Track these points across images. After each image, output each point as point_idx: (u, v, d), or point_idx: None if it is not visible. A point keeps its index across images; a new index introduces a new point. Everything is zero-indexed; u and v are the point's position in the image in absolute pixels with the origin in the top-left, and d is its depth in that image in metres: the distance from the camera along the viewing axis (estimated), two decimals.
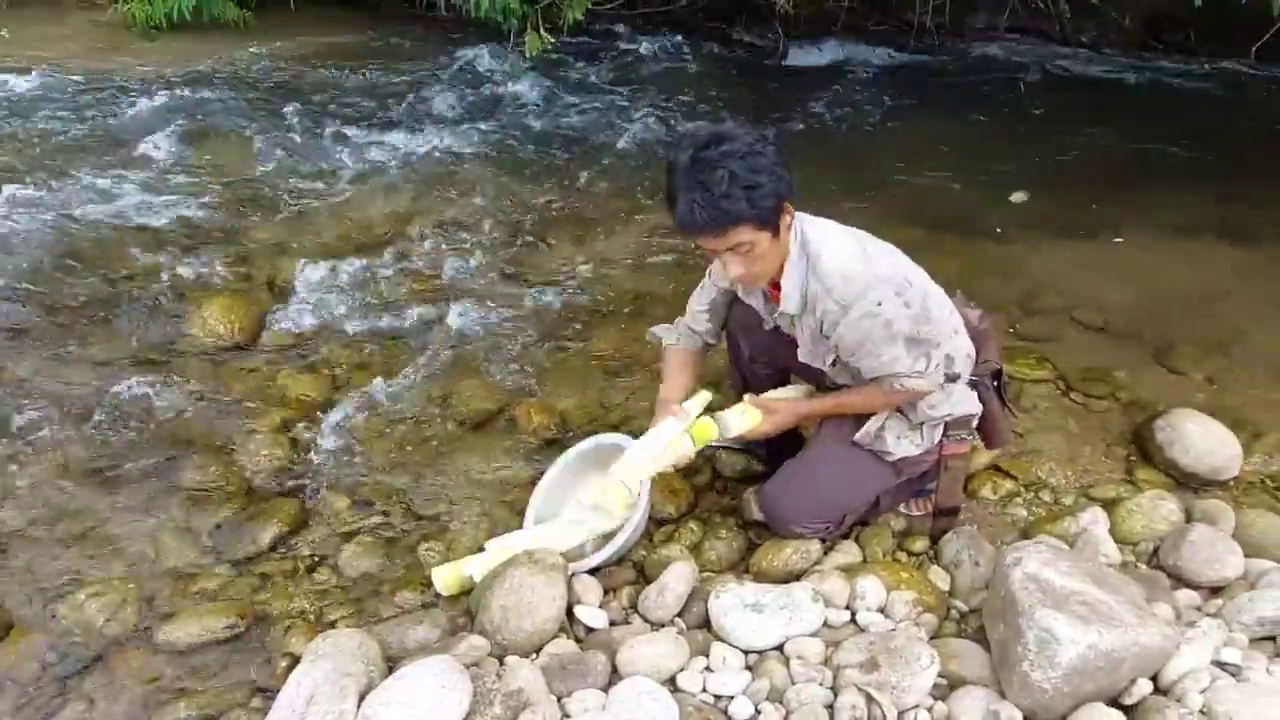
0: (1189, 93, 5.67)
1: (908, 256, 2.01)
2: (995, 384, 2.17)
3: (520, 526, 2.28)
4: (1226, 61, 5.70)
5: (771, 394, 2.23)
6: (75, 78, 5.14)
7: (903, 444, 2.09)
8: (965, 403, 2.09)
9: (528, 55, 5.55)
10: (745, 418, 2.14)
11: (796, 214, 1.88)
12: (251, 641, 2.05)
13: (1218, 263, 3.72)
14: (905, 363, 1.91)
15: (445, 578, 2.10)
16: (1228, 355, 3.08)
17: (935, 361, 1.96)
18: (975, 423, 2.14)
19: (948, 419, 2.09)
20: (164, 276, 3.37)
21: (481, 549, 2.16)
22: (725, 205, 1.69)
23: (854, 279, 1.83)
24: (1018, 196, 4.19)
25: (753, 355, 2.29)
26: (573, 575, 2.09)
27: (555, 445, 2.64)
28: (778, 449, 2.34)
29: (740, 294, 2.13)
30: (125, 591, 2.13)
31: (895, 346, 1.88)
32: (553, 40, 5.53)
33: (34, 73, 5.11)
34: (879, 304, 1.83)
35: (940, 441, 2.13)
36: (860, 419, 2.09)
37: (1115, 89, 5.78)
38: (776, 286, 1.97)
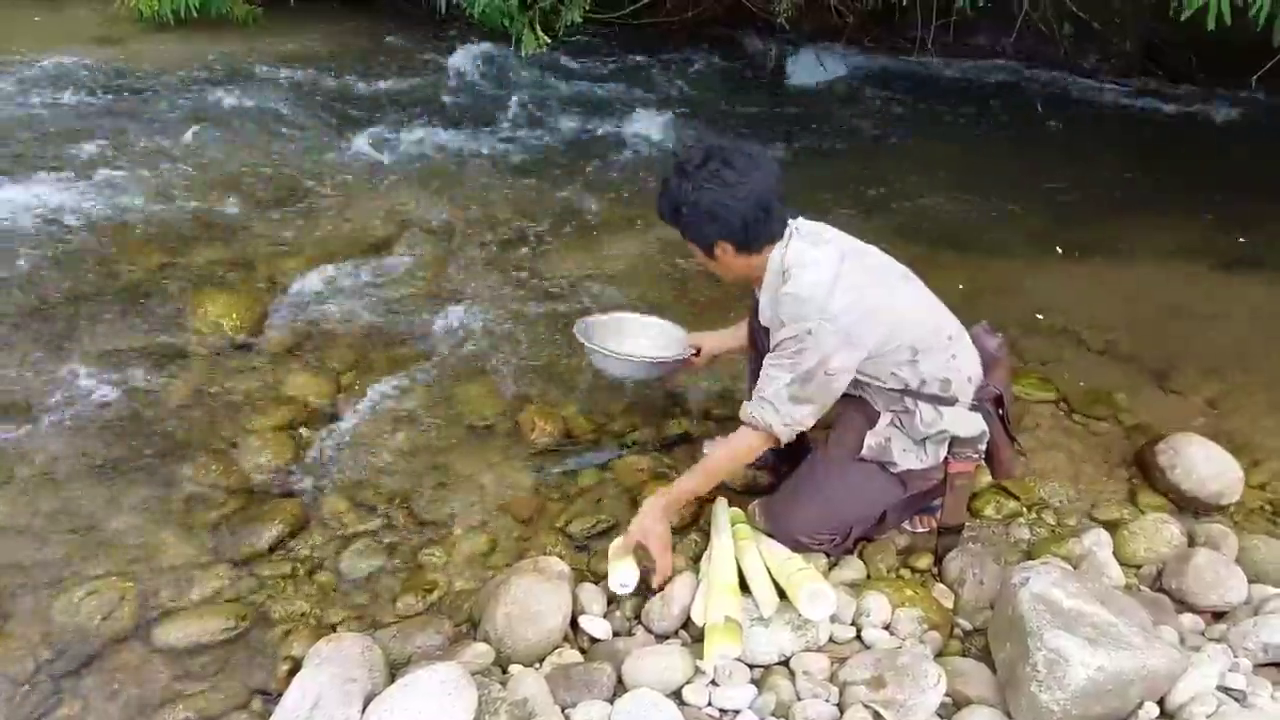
0: (1189, 117, 5.71)
1: (916, 278, 2.08)
2: (999, 412, 2.16)
3: (516, 536, 2.30)
4: (1227, 88, 5.75)
5: None
6: (80, 71, 5.11)
7: (908, 457, 2.08)
8: (964, 424, 2.08)
9: (525, 55, 5.57)
10: None
11: (803, 224, 2.01)
12: (251, 643, 2.02)
13: (1218, 286, 3.74)
14: (780, 390, 1.93)
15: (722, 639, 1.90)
16: (1228, 379, 3.09)
17: (801, 418, 1.96)
18: (984, 445, 2.12)
19: (947, 437, 2.08)
20: (165, 272, 3.34)
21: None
22: (660, 208, 2.02)
23: (804, 305, 1.90)
24: None
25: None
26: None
27: (558, 452, 2.64)
28: (785, 461, 2.33)
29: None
30: (122, 590, 2.10)
31: (783, 373, 1.93)
32: (548, 40, 5.55)
33: (37, 65, 5.08)
34: (809, 332, 1.89)
35: (946, 459, 2.12)
36: (861, 436, 2.09)
37: (1117, 112, 5.82)
38: None
